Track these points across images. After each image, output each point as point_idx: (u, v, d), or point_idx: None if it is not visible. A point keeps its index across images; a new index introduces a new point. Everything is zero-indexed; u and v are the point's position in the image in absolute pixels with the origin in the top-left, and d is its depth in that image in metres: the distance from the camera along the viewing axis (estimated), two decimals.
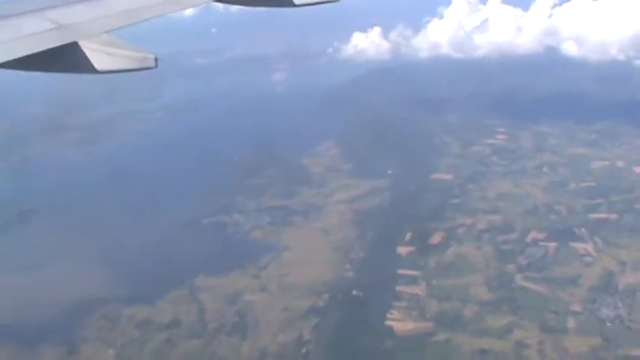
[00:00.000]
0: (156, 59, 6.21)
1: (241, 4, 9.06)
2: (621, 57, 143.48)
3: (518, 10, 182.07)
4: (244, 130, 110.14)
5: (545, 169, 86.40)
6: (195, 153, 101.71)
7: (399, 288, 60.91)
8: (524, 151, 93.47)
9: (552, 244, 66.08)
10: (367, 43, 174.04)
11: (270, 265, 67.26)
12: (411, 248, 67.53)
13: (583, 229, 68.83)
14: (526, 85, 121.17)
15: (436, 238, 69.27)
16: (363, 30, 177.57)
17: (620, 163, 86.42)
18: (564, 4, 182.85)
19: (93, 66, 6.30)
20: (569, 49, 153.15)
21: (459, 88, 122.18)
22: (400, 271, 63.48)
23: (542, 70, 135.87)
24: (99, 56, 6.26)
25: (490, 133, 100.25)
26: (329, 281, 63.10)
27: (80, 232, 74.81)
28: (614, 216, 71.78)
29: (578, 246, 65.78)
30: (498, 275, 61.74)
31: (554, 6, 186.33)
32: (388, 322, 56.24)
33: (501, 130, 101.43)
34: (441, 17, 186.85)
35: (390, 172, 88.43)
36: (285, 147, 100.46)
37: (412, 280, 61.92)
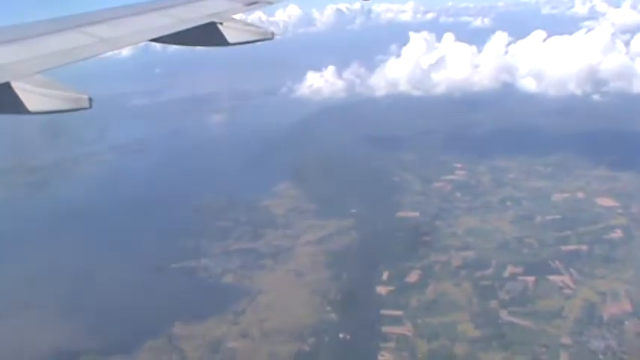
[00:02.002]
0: (90, 100, 5.92)
1: (175, 43, 8.87)
2: (579, 92, 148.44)
3: (474, 48, 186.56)
4: (198, 172, 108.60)
5: (508, 203, 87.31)
6: (152, 196, 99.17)
7: (385, 329, 59.87)
8: (485, 186, 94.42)
9: (530, 278, 66.24)
10: (322, 82, 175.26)
11: (248, 309, 65.49)
12: (391, 288, 66.62)
13: (557, 262, 69.34)
14: (481, 121, 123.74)
15: (413, 277, 68.59)
16: (317, 69, 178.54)
17: (580, 195, 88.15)
18: (518, 42, 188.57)
19: (26, 107, 6.03)
20: (528, 85, 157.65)
21: (417, 125, 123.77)
22: (383, 312, 62.58)
23: (498, 105, 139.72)
24: (32, 97, 5.99)
25: (449, 170, 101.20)
26: (312, 324, 61.60)
27: (43, 279, 71.44)
28: (584, 247, 72.64)
29: (556, 278, 66.13)
30: (483, 312, 61.37)
31: (509, 43, 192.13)
32: None
33: (459, 165, 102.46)
34: (398, 55, 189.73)
35: (354, 211, 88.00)
36: (244, 188, 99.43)
37: (397, 320, 61.04)
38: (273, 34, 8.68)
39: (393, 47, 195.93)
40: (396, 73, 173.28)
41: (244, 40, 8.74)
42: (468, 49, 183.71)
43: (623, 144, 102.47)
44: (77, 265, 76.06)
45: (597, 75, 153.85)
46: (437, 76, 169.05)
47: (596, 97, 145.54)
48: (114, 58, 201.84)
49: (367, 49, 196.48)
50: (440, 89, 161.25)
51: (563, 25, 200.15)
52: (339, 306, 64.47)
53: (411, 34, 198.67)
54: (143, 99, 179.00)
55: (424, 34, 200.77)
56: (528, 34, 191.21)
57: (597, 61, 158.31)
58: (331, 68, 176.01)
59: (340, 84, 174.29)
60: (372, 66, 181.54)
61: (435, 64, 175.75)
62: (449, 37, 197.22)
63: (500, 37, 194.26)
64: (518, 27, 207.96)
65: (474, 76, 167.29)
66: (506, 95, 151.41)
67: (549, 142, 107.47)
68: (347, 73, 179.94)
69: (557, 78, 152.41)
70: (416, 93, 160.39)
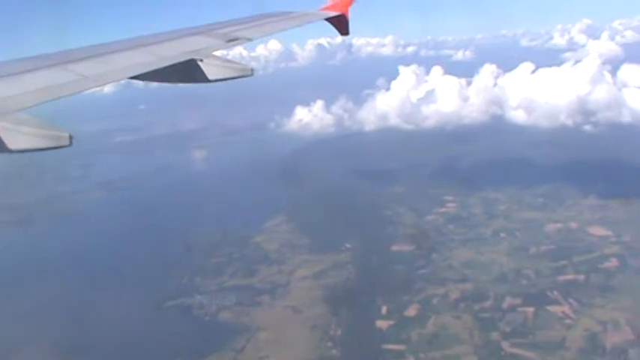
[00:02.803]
0: (71, 137, 6.04)
1: (156, 80, 9.14)
2: (569, 123, 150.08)
3: (462, 81, 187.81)
4: (188, 208, 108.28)
5: (502, 235, 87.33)
6: (142, 233, 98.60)
7: None
8: (478, 219, 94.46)
9: (530, 309, 66.08)
10: (310, 117, 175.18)
11: (247, 347, 64.58)
12: (390, 322, 66.15)
13: (555, 292, 69.29)
14: (471, 154, 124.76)
15: (412, 311, 68.20)
16: (305, 104, 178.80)
17: (573, 225, 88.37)
18: (507, 75, 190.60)
19: (6, 145, 6.09)
20: (518, 116, 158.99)
21: (406, 158, 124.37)
22: (385, 346, 62.08)
23: (487, 138, 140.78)
24: (12, 135, 6.06)
25: (440, 202, 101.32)
26: None
27: (35, 320, 69.82)
28: (581, 277, 72.72)
29: (556, 309, 66.02)
30: (485, 344, 61.03)
31: (498, 76, 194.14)
32: None
33: (450, 198, 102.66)
34: (386, 89, 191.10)
35: (348, 245, 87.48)
36: (235, 224, 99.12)
37: (399, 355, 60.57)
38: (253, 70, 8.84)
39: (381, 81, 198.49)
40: (385, 107, 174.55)
41: (224, 76, 8.88)
42: (456, 82, 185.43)
43: (612, 173, 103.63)
44: (68, 304, 74.93)
45: (587, 106, 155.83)
46: (427, 110, 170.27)
47: (587, 127, 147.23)
48: (95, 95, 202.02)
49: (353, 84, 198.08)
50: (430, 122, 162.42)
51: (544, 57, 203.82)
52: (340, 341, 63.89)
53: (401, 67, 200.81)
54: (128, 135, 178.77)
55: (413, 67, 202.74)
56: (512, 66, 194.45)
57: (586, 92, 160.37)
58: (319, 103, 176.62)
59: (329, 118, 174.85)
60: (359, 100, 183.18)
61: (424, 98, 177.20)
62: (437, 70, 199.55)
63: (489, 70, 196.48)
64: (500, 60, 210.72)
65: (463, 109, 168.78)
66: (496, 127, 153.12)
67: (539, 173, 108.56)
68: (335, 108, 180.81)
69: (547, 109, 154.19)
70: (406, 127, 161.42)
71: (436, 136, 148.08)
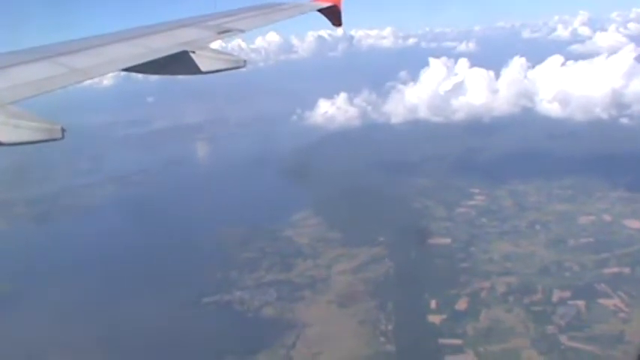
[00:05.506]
0: (63, 130, 6.03)
1: (148, 72, 9.19)
2: (604, 115, 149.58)
3: (491, 73, 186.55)
4: (211, 202, 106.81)
5: (537, 227, 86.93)
6: (164, 228, 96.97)
7: (448, 359, 58.79)
8: (509, 211, 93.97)
9: (581, 302, 65.80)
10: (334, 110, 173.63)
11: (298, 343, 63.93)
12: (442, 316, 65.69)
13: (603, 285, 68.98)
14: (498, 146, 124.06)
15: (462, 304, 67.80)
16: (320, 95, 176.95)
17: (606, 217, 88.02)
18: (537, 67, 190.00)
19: None
20: (553, 109, 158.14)
21: (434, 151, 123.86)
22: (441, 341, 61.50)
23: (517, 130, 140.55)
24: (4, 128, 6.04)
25: (468, 195, 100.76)
26: (369, 356, 60.54)
27: (72, 318, 68.48)
28: (626, 270, 72.35)
29: (607, 302, 65.68)
30: (542, 337, 60.67)
31: (528, 68, 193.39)
32: None
33: (477, 191, 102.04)
34: (407, 81, 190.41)
35: (382, 239, 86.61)
36: (262, 218, 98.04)
37: (458, 349, 60.18)
38: (245, 61, 8.90)
39: (402, 73, 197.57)
40: (413, 99, 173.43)
41: (217, 68, 8.93)
42: (484, 75, 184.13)
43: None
44: (101, 302, 73.51)
45: (622, 99, 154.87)
46: (456, 102, 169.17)
47: (624, 120, 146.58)
48: (95, 88, 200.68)
49: (365, 76, 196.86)
50: (460, 115, 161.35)
51: (550, 50, 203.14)
52: (394, 336, 63.23)
53: (431, 59, 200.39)
54: (138, 128, 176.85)
55: (443, 59, 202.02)
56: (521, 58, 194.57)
57: (621, 84, 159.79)
58: (343, 95, 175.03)
59: (353, 111, 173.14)
60: (382, 93, 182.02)
61: (452, 90, 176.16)
62: (463, 62, 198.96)
63: (518, 63, 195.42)
64: (506, 52, 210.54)
65: (494, 101, 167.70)
66: (526, 120, 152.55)
67: (565, 165, 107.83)
68: (358, 101, 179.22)
69: (582, 102, 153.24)
70: (435, 119, 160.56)
71: (466, 129, 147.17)
